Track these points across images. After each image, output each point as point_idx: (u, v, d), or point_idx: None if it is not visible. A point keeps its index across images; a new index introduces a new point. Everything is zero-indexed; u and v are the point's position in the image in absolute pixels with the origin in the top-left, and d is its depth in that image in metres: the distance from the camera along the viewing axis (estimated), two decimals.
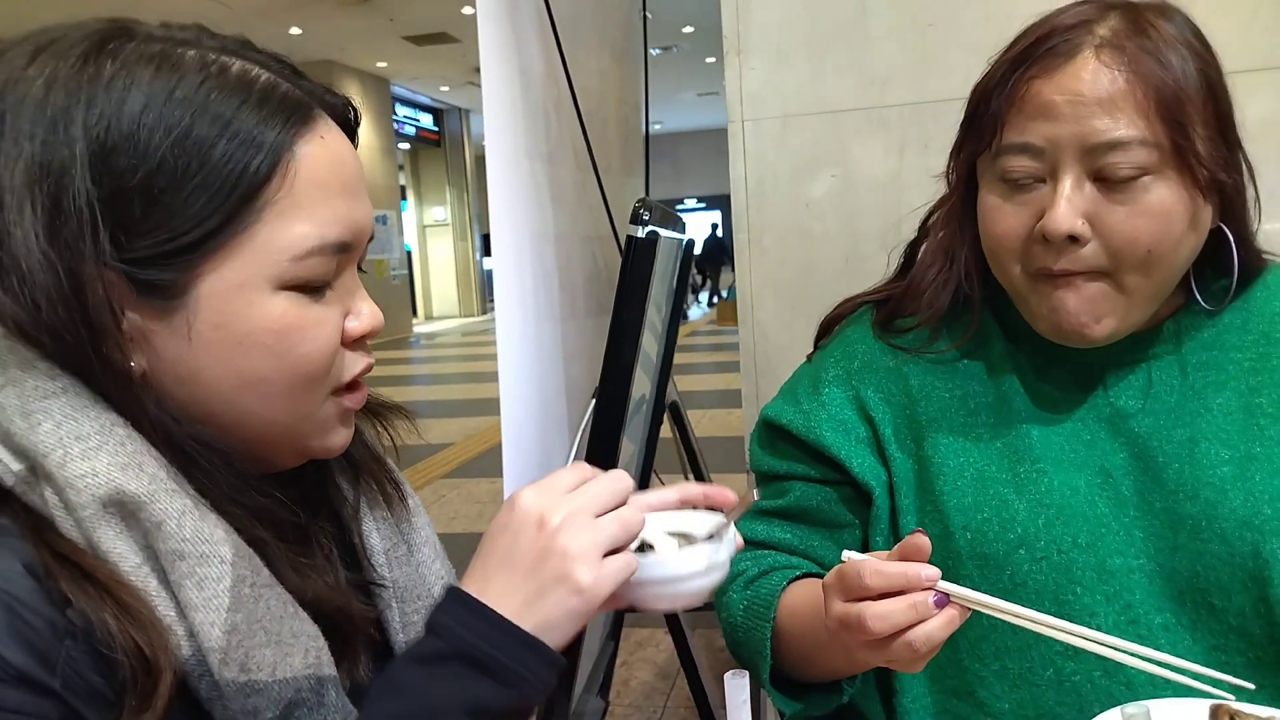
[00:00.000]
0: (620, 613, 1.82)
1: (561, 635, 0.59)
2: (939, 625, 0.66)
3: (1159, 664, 0.70)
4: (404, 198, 17.30)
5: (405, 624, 0.70)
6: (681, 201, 23.02)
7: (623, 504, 0.62)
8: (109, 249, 0.54)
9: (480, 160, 18.53)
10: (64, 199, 0.53)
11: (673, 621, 1.71)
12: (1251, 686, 0.71)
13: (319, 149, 0.59)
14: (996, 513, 0.86)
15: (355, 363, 0.64)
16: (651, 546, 0.67)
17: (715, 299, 18.39)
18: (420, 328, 16.64)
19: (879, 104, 1.78)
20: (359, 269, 0.66)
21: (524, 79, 1.48)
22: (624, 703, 2.72)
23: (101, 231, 0.53)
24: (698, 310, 17.69)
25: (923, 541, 0.67)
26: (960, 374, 0.93)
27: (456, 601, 0.59)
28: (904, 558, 0.68)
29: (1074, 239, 0.79)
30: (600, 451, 1.40)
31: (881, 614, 0.66)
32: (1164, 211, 0.79)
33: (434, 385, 9.57)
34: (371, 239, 0.66)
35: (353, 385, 0.65)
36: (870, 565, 0.67)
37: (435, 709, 0.56)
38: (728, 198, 1.88)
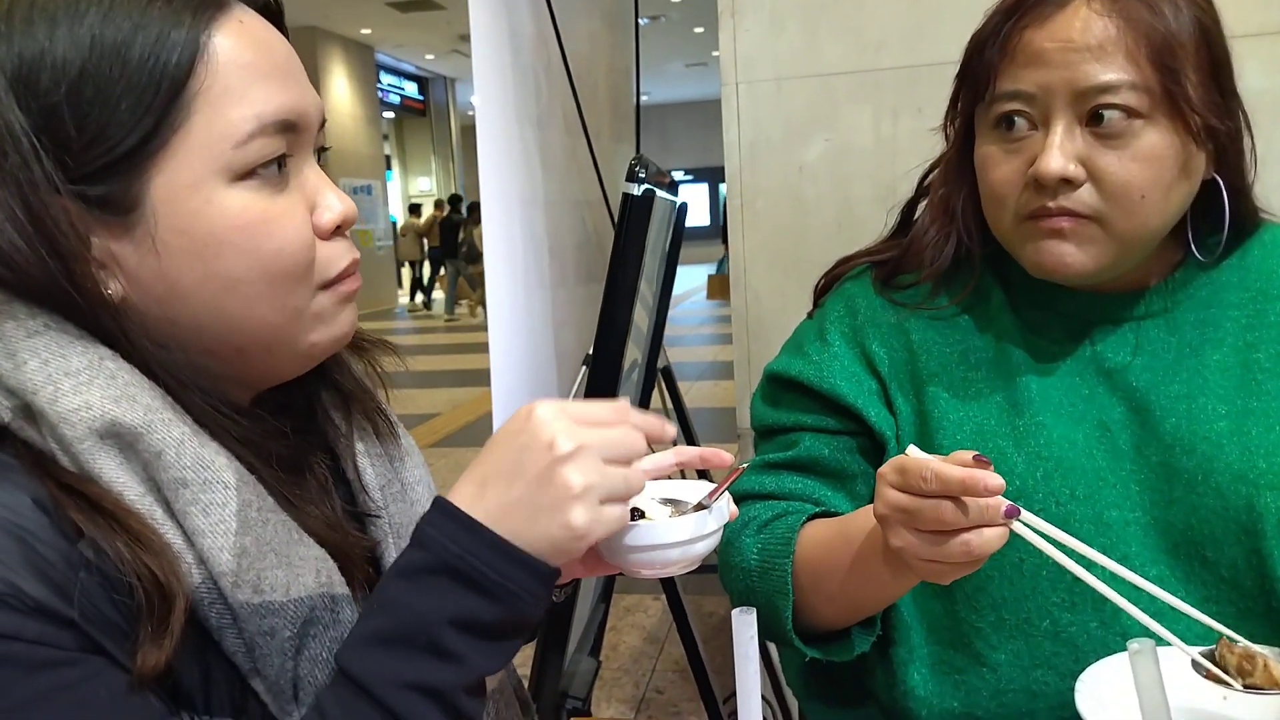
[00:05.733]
0: (611, 577, 1.83)
1: (551, 557, 0.57)
2: (996, 535, 0.66)
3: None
4: (389, 168, 17.13)
5: (390, 518, 0.71)
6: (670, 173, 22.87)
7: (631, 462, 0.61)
8: (56, 174, 0.54)
9: (466, 130, 18.39)
10: None
11: (667, 582, 1.72)
12: (1242, 640, 0.71)
13: (239, 34, 0.58)
14: (995, 465, 0.86)
15: (338, 255, 0.63)
16: (642, 513, 0.67)
17: None
18: (405, 299, 16.57)
19: (873, 67, 1.77)
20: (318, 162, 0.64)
21: (514, 42, 1.46)
22: (613, 666, 2.75)
23: (44, 158, 0.54)
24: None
25: (985, 463, 0.67)
26: (960, 329, 0.94)
27: (444, 514, 0.57)
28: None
29: (1067, 181, 0.80)
30: None
31: (954, 506, 0.66)
32: (1156, 157, 0.80)
33: (420, 356, 9.53)
34: (323, 126, 0.64)
35: (343, 276, 0.63)
36: (932, 467, 0.66)
37: (422, 622, 0.54)
38: (716, 170, 1.87)
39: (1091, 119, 0.80)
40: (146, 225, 0.57)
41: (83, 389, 0.54)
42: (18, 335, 0.54)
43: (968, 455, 0.66)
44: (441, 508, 0.57)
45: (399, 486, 0.72)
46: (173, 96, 0.55)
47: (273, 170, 0.59)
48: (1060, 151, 0.80)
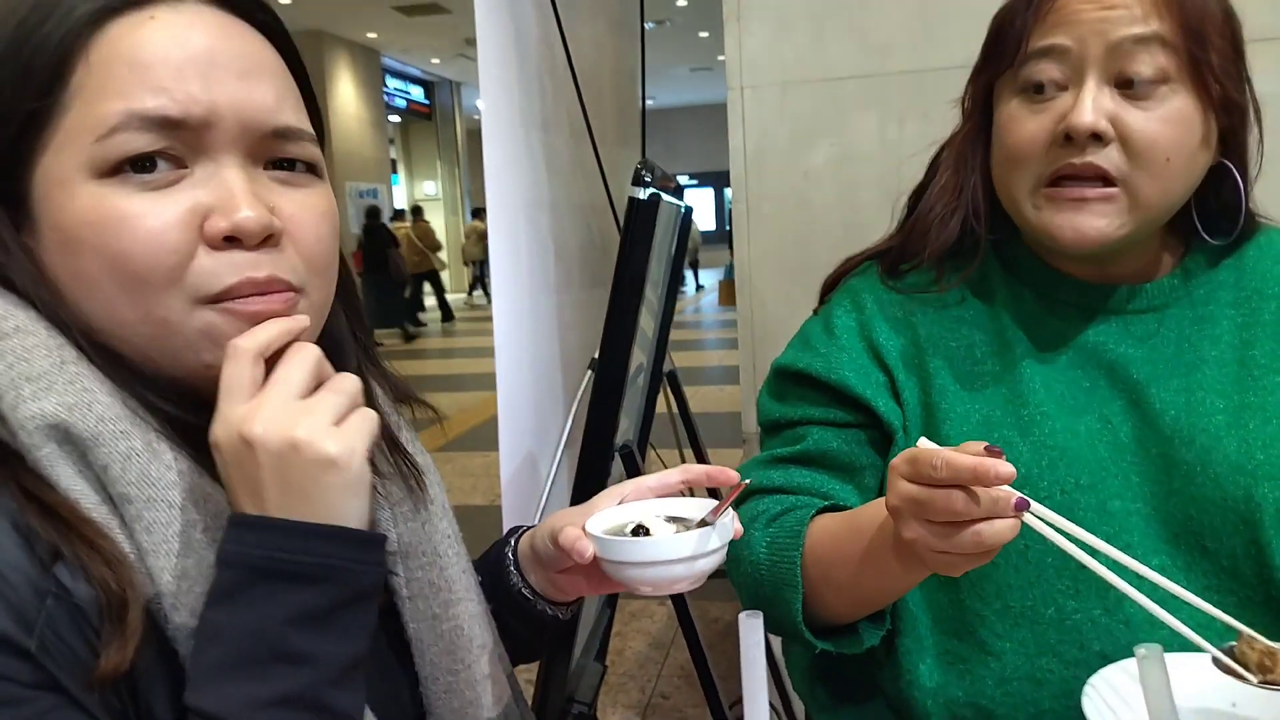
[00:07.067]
0: None
1: (355, 516, 0.55)
2: (1008, 526, 0.66)
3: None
4: (394, 172, 17.16)
5: (409, 580, 0.69)
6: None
7: (325, 377, 0.57)
8: None
9: (471, 134, 18.41)
10: None
11: None
12: (1245, 629, 0.71)
13: (145, 29, 0.56)
14: None
15: (224, 269, 0.56)
16: (647, 530, 0.68)
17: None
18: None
19: (879, 72, 1.77)
20: (281, 167, 0.60)
21: (520, 46, 1.46)
22: (619, 671, 2.74)
23: None
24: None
25: (996, 454, 0.66)
26: (966, 324, 0.95)
27: (237, 526, 0.54)
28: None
29: (1097, 137, 0.81)
30: (599, 419, 1.39)
31: (966, 497, 0.65)
32: (1182, 120, 0.82)
33: (425, 360, 9.54)
34: (294, 137, 0.60)
35: (235, 293, 0.57)
36: (943, 456, 0.66)
37: (259, 636, 0.52)
38: (721, 175, 1.87)
39: (1121, 81, 0.81)
40: (33, 222, 0.56)
41: (41, 395, 0.53)
42: None
43: (979, 446, 0.66)
44: (233, 521, 0.54)
45: (409, 505, 0.70)
46: (46, 93, 0.55)
47: (156, 169, 0.55)
48: (1095, 103, 0.81)
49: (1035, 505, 0.67)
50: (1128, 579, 0.70)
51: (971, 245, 0.94)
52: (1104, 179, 0.83)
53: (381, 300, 10.95)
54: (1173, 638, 0.82)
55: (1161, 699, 0.63)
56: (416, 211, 13.27)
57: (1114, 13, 0.80)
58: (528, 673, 1.10)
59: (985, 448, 0.66)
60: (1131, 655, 0.81)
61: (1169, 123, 0.81)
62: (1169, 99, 0.81)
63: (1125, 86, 0.81)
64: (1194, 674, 0.72)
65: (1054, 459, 0.87)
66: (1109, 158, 0.82)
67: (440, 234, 18.57)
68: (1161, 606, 0.70)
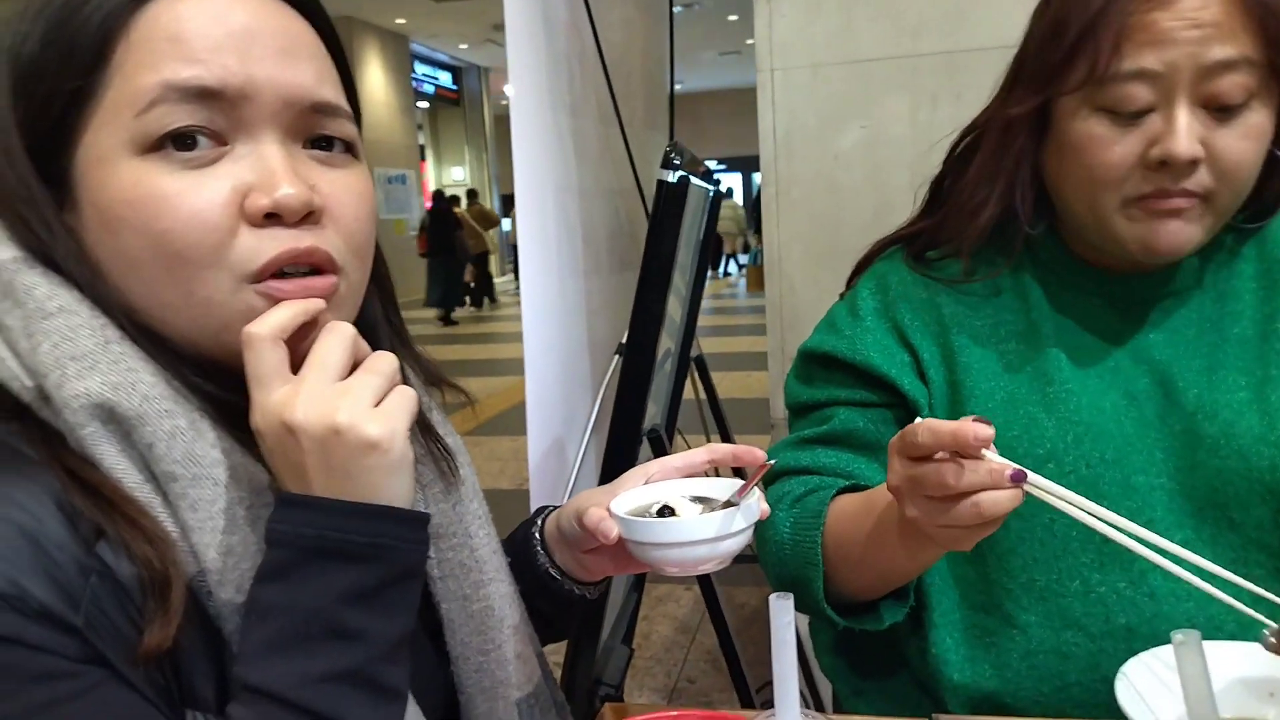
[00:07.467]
0: None
1: (399, 495, 0.55)
2: (1006, 496, 0.66)
3: (1209, 577, 0.69)
4: (422, 157, 17.23)
5: (440, 561, 0.69)
6: None
7: (361, 357, 0.57)
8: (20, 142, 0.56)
9: (499, 120, 18.42)
10: None
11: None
12: (1276, 599, 0.71)
13: (184, 5, 0.56)
14: (1026, 429, 0.89)
15: (265, 244, 0.56)
16: (673, 510, 0.68)
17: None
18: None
19: (911, 53, 1.75)
20: (319, 146, 0.60)
21: (548, 30, 1.46)
22: (645, 655, 2.75)
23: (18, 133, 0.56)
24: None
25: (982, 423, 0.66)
26: (991, 304, 0.95)
27: (287, 505, 0.55)
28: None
29: (1192, 163, 0.81)
30: (627, 404, 1.40)
31: (956, 469, 0.66)
32: (1261, 133, 0.82)
33: (452, 345, 9.60)
34: (331, 113, 0.60)
35: (277, 267, 0.57)
36: (925, 423, 0.67)
37: (312, 614, 0.53)
38: (750, 159, 1.86)
39: (1209, 102, 0.80)
40: (77, 203, 0.57)
41: (85, 374, 0.53)
42: (36, 317, 0.54)
43: (968, 418, 0.67)
44: (282, 500, 0.55)
45: (440, 486, 0.70)
46: (89, 70, 0.55)
47: (194, 145, 0.55)
48: (1188, 132, 0.80)
49: (1034, 476, 0.67)
50: (1141, 543, 0.69)
51: (1006, 237, 0.93)
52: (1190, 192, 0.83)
53: (448, 281, 11.62)
54: (1198, 611, 0.82)
55: (1199, 685, 0.63)
56: (472, 195, 13.71)
57: (1204, 31, 0.79)
58: (555, 655, 1.11)
59: (973, 418, 0.66)
60: (1157, 628, 0.81)
61: (1251, 138, 0.82)
62: (1250, 115, 0.81)
63: (1212, 104, 0.81)
64: (1230, 661, 0.71)
65: (1079, 434, 0.87)
66: (1199, 180, 0.82)
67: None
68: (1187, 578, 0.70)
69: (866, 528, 0.83)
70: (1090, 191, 0.86)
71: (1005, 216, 0.92)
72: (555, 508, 0.82)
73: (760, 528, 0.93)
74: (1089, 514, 0.69)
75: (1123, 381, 0.90)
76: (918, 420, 0.69)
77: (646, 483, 0.73)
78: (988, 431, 0.65)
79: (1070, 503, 0.68)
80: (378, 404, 0.55)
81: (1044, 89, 0.86)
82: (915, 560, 0.82)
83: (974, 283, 0.95)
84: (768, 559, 0.94)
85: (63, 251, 0.56)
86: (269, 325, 0.55)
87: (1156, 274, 0.91)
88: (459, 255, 11.83)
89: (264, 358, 0.55)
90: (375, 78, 13.77)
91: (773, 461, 0.87)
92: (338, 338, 0.57)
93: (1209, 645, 0.65)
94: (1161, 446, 0.88)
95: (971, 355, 0.93)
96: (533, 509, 0.86)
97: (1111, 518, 0.69)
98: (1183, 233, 0.83)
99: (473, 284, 12.59)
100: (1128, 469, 0.87)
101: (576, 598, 0.80)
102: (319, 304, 0.58)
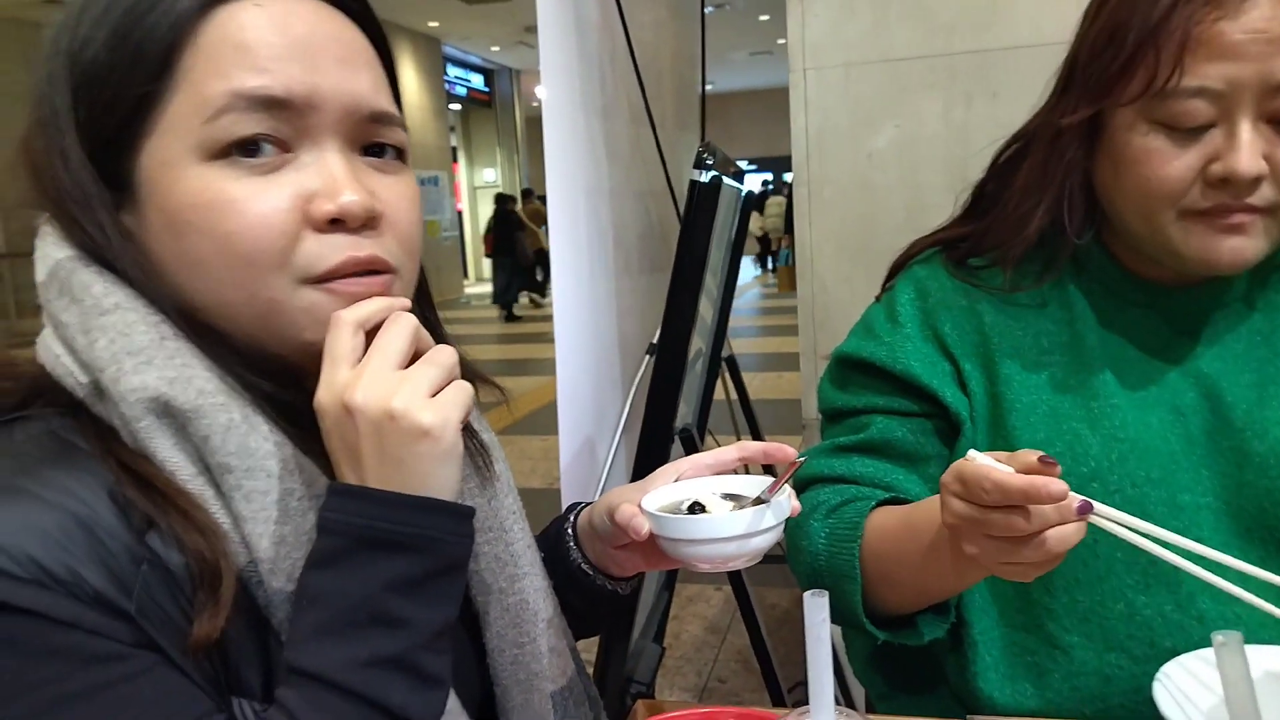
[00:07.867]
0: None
1: (447, 486, 0.57)
2: (1073, 530, 0.65)
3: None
4: (454, 159, 17.35)
5: (477, 554, 0.70)
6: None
7: (423, 348, 0.59)
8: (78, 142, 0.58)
9: (531, 122, 18.50)
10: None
11: (732, 573, 1.72)
12: None
13: (249, 14, 0.58)
14: (1069, 446, 0.87)
15: (329, 250, 0.58)
16: (703, 507, 0.68)
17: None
18: (470, 289, 16.78)
19: (945, 52, 1.73)
20: (372, 153, 0.62)
21: (580, 31, 1.47)
22: (675, 655, 2.75)
23: (78, 135, 0.58)
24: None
25: (1050, 464, 0.65)
26: (1034, 314, 0.93)
27: (337, 495, 0.56)
28: (1026, 472, 0.65)
29: (1255, 180, 0.79)
30: (658, 404, 1.40)
31: (1024, 513, 0.64)
32: None
33: (485, 345, 9.66)
34: (386, 121, 0.62)
35: (337, 274, 0.59)
36: (992, 479, 0.64)
37: (360, 600, 0.54)
38: (780, 160, 1.86)
39: (1271, 117, 0.78)
40: (139, 205, 0.58)
41: (142, 369, 0.55)
42: (92, 313, 0.56)
43: (1033, 456, 0.65)
44: (334, 490, 0.56)
45: (476, 481, 0.71)
46: (159, 73, 0.57)
47: (260, 152, 0.57)
48: (1251, 149, 0.78)
49: (1099, 506, 0.65)
50: (1205, 567, 0.68)
51: (1052, 248, 0.91)
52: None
53: (512, 279, 12.31)
54: (1249, 637, 0.80)
55: (1241, 689, 0.62)
56: (526, 195, 13.80)
57: (1273, 47, 0.76)
58: (587, 653, 1.11)
59: (1040, 458, 0.64)
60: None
61: None
62: None
63: (1275, 120, 0.78)
64: (1272, 666, 0.70)
65: (1124, 452, 0.85)
66: (1262, 195, 0.79)
67: None
68: (1238, 601, 0.69)
69: (910, 548, 0.81)
70: (1146, 205, 0.83)
71: (1054, 228, 0.90)
72: (588, 504, 0.82)
73: (793, 537, 0.93)
74: (1155, 540, 0.67)
75: (1169, 396, 0.88)
76: (977, 463, 0.66)
77: (677, 480, 0.73)
78: (1061, 488, 0.63)
79: (1135, 530, 0.67)
80: (434, 394, 0.57)
81: (1098, 99, 0.83)
82: (963, 581, 0.81)
83: (1021, 288, 0.93)
84: (800, 568, 0.93)
85: (118, 252, 0.58)
86: (358, 314, 0.58)
87: (1206, 286, 0.89)
88: (519, 256, 12.19)
89: (343, 340, 0.57)
90: (408, 80, 13.89)
91: (803, 459, 0.87)
92: (402, 328, 0.58)
93: (1250, 649, 0.64)
94: (1208, 465, 0.85)
95: (1013, 367, 0.91)
96: (564, 508, 0.86)
97: (1181, 542, 0.67)
98: (1248, 248, 0.81)
99: (540, 277, 13.00)
100: (1174, 488, 0.84)
101: (608, 593, 0.80)
102: (404, 302, 0.61)
